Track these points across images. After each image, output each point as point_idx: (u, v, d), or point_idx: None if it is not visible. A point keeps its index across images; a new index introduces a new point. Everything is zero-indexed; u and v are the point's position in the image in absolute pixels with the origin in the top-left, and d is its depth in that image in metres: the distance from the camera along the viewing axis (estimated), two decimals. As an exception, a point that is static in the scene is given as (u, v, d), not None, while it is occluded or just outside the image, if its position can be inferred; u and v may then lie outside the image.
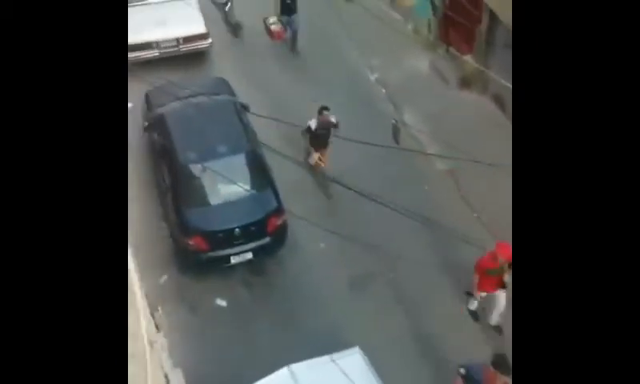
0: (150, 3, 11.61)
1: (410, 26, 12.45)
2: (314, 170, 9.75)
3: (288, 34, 12.04)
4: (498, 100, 10.67)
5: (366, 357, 6.46)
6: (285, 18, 11.92)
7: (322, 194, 9.59)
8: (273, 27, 12.02)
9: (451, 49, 11.55)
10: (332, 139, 9.57)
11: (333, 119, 9.41)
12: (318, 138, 9.46)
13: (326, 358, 6.32)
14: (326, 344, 6.79)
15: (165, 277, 8.44)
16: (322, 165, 9.66)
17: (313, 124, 9.27)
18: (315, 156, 9.54)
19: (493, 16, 10.30)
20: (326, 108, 9.35)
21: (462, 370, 6.11)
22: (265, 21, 12.12)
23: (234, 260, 8.28)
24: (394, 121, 10.50)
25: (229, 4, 12.58)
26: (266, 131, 9.35)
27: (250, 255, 8.31)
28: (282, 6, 11.84)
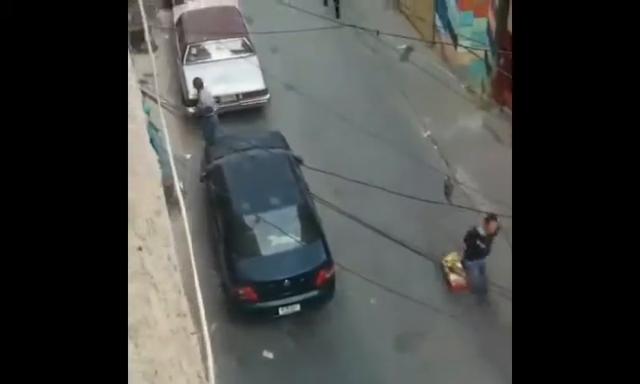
0: (213, 60, 12.20)
1: (463, 85, 12.54)
2: None
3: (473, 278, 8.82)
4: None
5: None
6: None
7: (373, 248, 9.55)
8: (452, 278, 8.98)
9: (505, 108, 11.54)
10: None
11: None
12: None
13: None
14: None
15: (214, 325, 8.55)
16: None
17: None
18: None
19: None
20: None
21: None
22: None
23: (282, 311, 8.33)
24: (445, 177, 10.47)
25: None
26: (318, 183, 9.51)
27: (297, 307, 8.35)
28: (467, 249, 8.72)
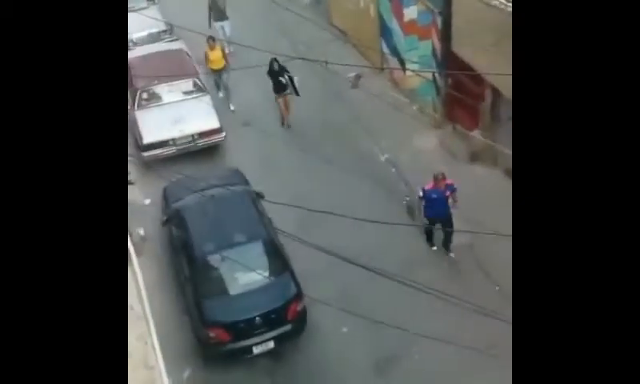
0: (166, 103, 12.12)
1: (415, 107, 12.80)
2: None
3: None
4: (508, 172, 10.77)
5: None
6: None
7: (338, 276, 9.55)
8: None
9: (458, 126, 11.82)
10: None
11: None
12: None
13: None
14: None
15: (188, 371, 8.33)
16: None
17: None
18: None
19: (496, 92, 10.60)
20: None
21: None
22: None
23: (256, 350, 8.18)
24: (406, 198, 10.60)
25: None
26: (281, 217, 9.47)
27: (271, 344, 8.22)
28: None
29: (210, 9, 14.57)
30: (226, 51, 13.61)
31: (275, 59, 11.98)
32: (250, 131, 12.72)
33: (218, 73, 13.14)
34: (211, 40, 12.86)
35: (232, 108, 13.20)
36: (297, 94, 12.32)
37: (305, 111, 12.87)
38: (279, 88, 12.26)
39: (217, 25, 14.58)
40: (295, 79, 12.15)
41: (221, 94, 13.35)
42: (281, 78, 12.15)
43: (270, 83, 12.36)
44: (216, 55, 12.95)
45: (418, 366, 8.21)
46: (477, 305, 8.26)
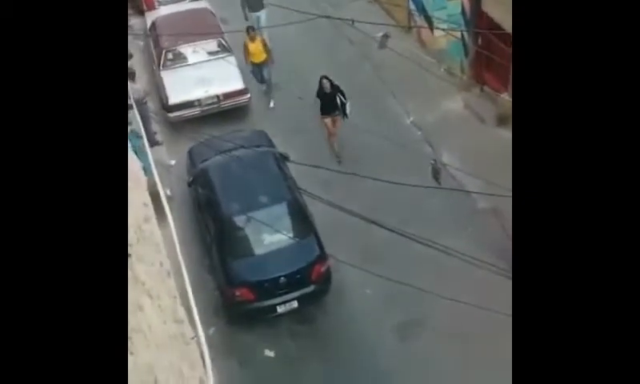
0: (190, 64, 12.07)
1: (442, 68, 12.55)
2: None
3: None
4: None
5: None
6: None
7: (365, 237, 9.55)
8: None
9: (486, 88, 11.56)
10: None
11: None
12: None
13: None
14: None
15: (213, 329, 8.49)
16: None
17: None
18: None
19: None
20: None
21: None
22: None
23: (280, 309, 8.29)
24: (432, 161, 10.48)
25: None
26: (305, 178, 9.47)
27: (295, 304, 8.31)
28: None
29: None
30: (268, 44, 12.29)
31: (326, 77, 10.76)
32: (275, 93, 12.62)
33: (258, 66, 12.10)
34: (251, 30, 11.87)
35: (271, 105, 12.32)
36: (346, 116, 10.94)
37: (331, 72, 12.70)
38: (329, 109, 10.86)
39: (253, 15, 13.24)
40: (347, 104, 10.80)
41: (264, 88, 12.42)
42: (335, 99, 10.73)
43: (298, 42, 11.88)
44: (256, 47, 11.88)
45: (441, 329, 8.23)
46: (501, 268, 8.23)
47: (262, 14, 13.19)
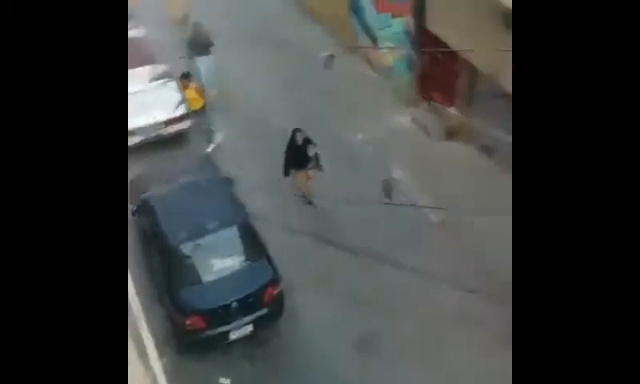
0: (130, 92, 11.66)
1: (390, 85, 12.67)
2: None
3: None
4: (484, 148, 10.72)
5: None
6: None
7: (318, 258, 9.43)
8: None
9: (433, 103, 11.72)
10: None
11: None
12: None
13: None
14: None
15: (165, 359, 8.18)
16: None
17: None
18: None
19: (471, 68, 10.49)
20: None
21: None
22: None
23: (233, 335, 8.04)
24: (383, 178, 10.47)
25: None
26: (254, 201, 9.31)
27: (249, 328, 8.09)
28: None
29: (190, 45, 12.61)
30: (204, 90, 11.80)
31: (299, 130, 10.00)
32: (219, 116, 12.33)
33: (195, 113, 11.51)
34: (184, 77, 11.42)
35: (209, 149, 11.38)
36: (320, 169, 10.21)
37: (278, 93, 12.66)
38: (301, 162, 10.08)
39: (197, 60, 12.49)
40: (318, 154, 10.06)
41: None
42: (306, 151, 9.98)
43: (243, 64, 11.78)
44: (190, 94, 11.41)
45: (398, 340, 8.15)
46: (453, 279, 8.26)
47: (203, 65, 12.48)
